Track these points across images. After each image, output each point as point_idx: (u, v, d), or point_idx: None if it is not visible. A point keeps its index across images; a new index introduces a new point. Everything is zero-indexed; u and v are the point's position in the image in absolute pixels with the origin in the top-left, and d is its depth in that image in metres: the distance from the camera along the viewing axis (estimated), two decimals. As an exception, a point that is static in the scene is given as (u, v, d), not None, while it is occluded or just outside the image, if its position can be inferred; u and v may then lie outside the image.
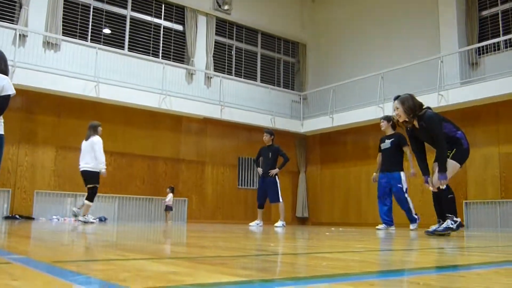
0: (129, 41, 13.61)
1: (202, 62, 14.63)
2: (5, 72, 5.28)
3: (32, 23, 11.77)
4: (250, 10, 16.02)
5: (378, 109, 12.98)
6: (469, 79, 12.09)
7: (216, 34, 15.16)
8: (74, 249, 2.68)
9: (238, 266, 1.74)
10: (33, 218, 10.99)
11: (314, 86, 16.41)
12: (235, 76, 15.52)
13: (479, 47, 12.33)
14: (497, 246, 3.71)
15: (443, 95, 11.63)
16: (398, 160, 8.10)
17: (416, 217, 7.97)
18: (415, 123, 5.18)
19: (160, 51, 14.16)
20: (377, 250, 3.07)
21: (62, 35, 12.22)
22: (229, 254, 2.33)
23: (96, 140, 8.56)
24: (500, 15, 12.52)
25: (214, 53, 14.97)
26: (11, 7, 11.80)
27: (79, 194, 11.73)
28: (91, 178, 8.57)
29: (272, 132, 9.96)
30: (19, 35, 11.41)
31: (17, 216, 10.80)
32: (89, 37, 12.89)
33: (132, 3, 13.81)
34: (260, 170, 9.81)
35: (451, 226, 5.08)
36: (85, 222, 8.39)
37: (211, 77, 14.61)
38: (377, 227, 8.31)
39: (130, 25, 13.72)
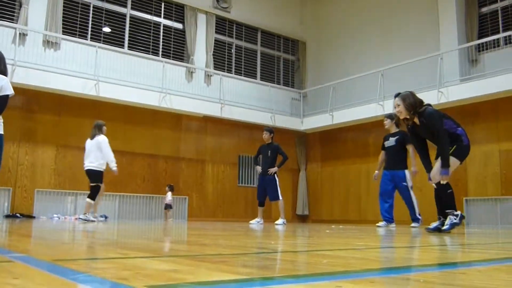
0: (129, 40, 13.61)
1: (202, 60, 14.62)
2: (4, 73, 5.30)
3: (32, 22, 11.77)
4: (250, 8, 16.01)
5: (378, 106, 12.99)
6: (468, 76, 12.09)
7: (215, 32, 15.15)
8: (74, 247, 2.68)
9: (239, 264, 1.74)
10: (34, 217, 11.00)
11: (314, 83, 16.41)
12: (235, 74, 15.51)
13: (478, 44, 12.32)
14: (498, 243, 3.71)
15: (443, 92, 11.62)
16: (403, 158, 8.12)
17: (419, 217, 7.97)
18: (416, 120, 5.19)
19: (160, 50, 14.15)
20: (378, 247, 3.07)
21: (62, 34, 12.22)
22: (229, 252, 2.34)
23: (102, 140, 8.60)
24: (500, 12, 12.51)
25: (214, 51, 14.96)
26: (11, 6, 11.80)
27: (79, 192, 11.75)
28: (94, 177, 8.61)
29: (271, 130, 9.95)
30: (19, 34, 11.41)
31: (18, 215, 10.82)
32: (89, 36, 12.89)
33: (131, 1, 13.80)
34: (259, 168, 9.81)
35: (455, 221, 5.10)
36: (86, 220, 8.41)
37: (211, 75, 14.60)
38: (377, 224, 8.32)
39: (130, 23, 13.72)
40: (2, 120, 5.29)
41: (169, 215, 12.52)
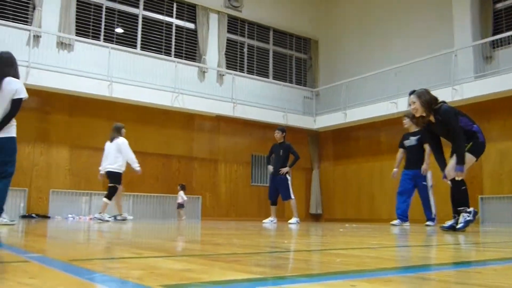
0: (141, 40, 13.68)
1: (214, 60, 14.65)
2: (17, 76, 5.39)
3: (46, 24, 11.88)
4: (262, 7, 16.00)
5: (391, 104, 12.90)
6: (483, 73, 11.95)
7: (227, 31, 15.17)
8: (89, 247, 2.71)
9: (252, 264, 1.74)
10: (49, 217, 11.11)
11: (326, 82, 16.35)
12: (247, 73, 15.52)
13: (493, 41, 12.17)
14: (514, 242, 3.67)
15: (457, 90, 11.51)
16: (423, 157, 8.09)
17: (434, 217, 7.92)
18: (431, 117, 5.13)
19: (173, 50, 14.20)
20: (392, 246, 3.06)
21: (75, 35, 12.32)
22: (243, 251, 2.34)
23: (121, 142, 8.75)
24: (514, 8, 12.35)
25: (226, 51, 14.98)
26: (24, 8, 11.92)
27: (93, 192, 11.84)
28: (113, 178, 8.75)
29: (284, 129, 9.93)
30: (33, 36, 11.52)
31: (34, 215, 10.93)
32: (102, 37, 12.98)
33: (144, 2, 13.87)
34: (270, 167, 9.80)
35: (468, 218, 5.05)
36: (101, 220, 8.50)
37: (223, 75, 14.62)
38: (391, 222, 8.27)
39: (142, 24, 13.79)
40: (15, 123, 5.37)
41: (181, 214, 12.56)
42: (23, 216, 10.80)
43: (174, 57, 13.96)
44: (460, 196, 5.16)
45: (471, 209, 5.12)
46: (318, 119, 15.58)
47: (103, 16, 13.13)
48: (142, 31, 13.76)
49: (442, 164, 5.23)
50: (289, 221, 9.56)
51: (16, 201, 10.93)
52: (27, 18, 11.90)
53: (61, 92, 11.49)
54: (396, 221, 8.16)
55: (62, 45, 12.03)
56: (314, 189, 15.80)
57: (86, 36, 12.68)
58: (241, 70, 15.48)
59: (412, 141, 8.20)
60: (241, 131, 14.55)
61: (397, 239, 4.03)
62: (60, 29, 12.05)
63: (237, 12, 15.39)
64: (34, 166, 11.38)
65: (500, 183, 11.29)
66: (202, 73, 14.27)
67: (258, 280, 1.28)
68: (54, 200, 11.49)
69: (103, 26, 13.09)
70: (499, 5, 12.65)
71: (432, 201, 7.98)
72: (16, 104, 5.25)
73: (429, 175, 8.03)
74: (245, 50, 15.88)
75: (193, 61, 14.32)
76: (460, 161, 4.96)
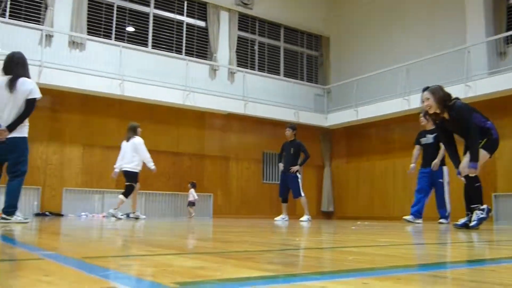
0: (152, 39, 13.73)
1: (225, 57, 14.66)
2: (28, 77, 5.47)
3: (58, 23, 11.97)
4: (272, 4, 15.96)
5: (404, 101, 12.82)
6: (497, 69, 11.82)
7: (238, 29, 15.16)
8: (102, 245, 2.73)
9: (265, 261, 1.74)
10: (62, 215, 11.21)
11: (337, 79, 16.28)
12: (258, 71, 15.51)
13: (507, 36, 12.04)
14: (528, 239, 3.63)
15: (470, 86, 11.40)
16: None
17: (448, 215, 7.88)
18: (445, 114, 5.09)
19: (183, 48, 14.24)
20: (405, 244, 3.04)
21: (87, 34, 12.40)
22: (255, 249, 2.34)
23: (138, 142, 8.85)
24: (528, 3, 12.20)
25: (237, 49, 14.98)
26: (37, 8, 12.02)
27: (106, 191, 11.93)
28: (130, 177, 8.87)
29: (294, 126, 9.91)
30: (45, 35, 11.62)
31: (47, 213, 11.04)
32: (113, 36, 13.05)
33: (155, 0, 13.91)
34: (281, 165, 9.80)
35: (481, 216, 5.01)
36: (114, 215, 8.63)
37: (234, 73, 14.63)
38: (404, 217, 8.22)
39: (153, 22, 13.83)
40: (28, 124, 5.43)
41: (191, 212, 12.60)
42: (37, 214, 10.91)
43: (185, 55, 13.99)
44: (473, 193, 5.12)
45: (484, 206, 5.08)
46: (329, 117, 15.54)
47: (115, 15, 13.20)
48: (153, 29, 13.81)
49: (456, 161, 5.19)
50: (301, 219, 9.56)
51: (30, 199, 11.04)
52: (39, 17, 12.00)
53: (73, 91, 11.58)
54: (409, 217, 8.11)
55: (74, 44, 12.12)
56: (325, 187, 15.76)
57: (98, 35, 12.76)
58: (252, 68, 15.48)
59: (429, 138, 8.14)
60: (252, 128, 14.56)
61: (409, 237, 4.01)
62: (72, 28, 12.14)
63: (247, 10, 15.38)
64: (47, 164, 11.49)
65: (514, 181, 11.17)
66: (213, 71, 14.29)
67: (271, 278, 1.28)
68: (67, 198, 11.59)
69: (114, 25, 13.16)
70: (513, 0, 12.51)
71: (448, 198, 7.94)
72: (30, 104, 5.32)
73: (445, 171, 7.99)
74: (256, 47, 15.87)
75: (204, 59, 14.34)
76: (474, 158, 4.92)
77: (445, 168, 8.00)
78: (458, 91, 10.71)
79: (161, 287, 1.09)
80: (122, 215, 9.10)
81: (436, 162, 7.94)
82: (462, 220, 5.21)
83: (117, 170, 9.09)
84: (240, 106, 13.90)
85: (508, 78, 10.94)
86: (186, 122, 13.42)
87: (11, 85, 5.24)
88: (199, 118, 13.66)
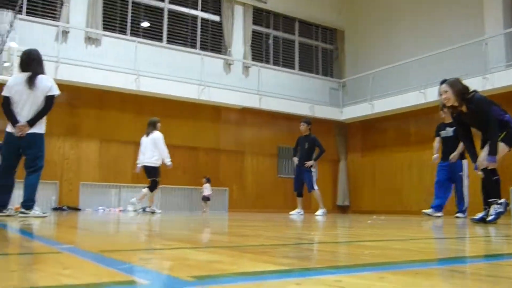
0: (167, 34, 13.77)
1: (239, 52, 14.65)
2: (45, 74, 5.55)
3: (73, 19, 12.07)
4: (287, -2, 15.89)
5: (420, 94, 12.70)
6: (515, 61, 11.64)
7: (253, 23, 15.13)
8: (119, 238, 2.76)
9: (280, 255, 1.75)
10: (80, 209, 11.34)
11: (353, 72, 16.17)
12: (273, 65, 15.48)
13: (525, 27, 11.84)
14: (547, 234, 3.59)
15: (488, 78, 11.24)
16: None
17: (465, 210, 7.81)
18: (463, 107, 5.02)
19: (198, 42, 14.26)
20: (422, 238, 3.02)
21: (103, 30, 12.48)
22: (271, 243, 2.35)
23: (157, 136, 8.91)
24: (548, -7, 11.97)
25: (251, 43, 14.96)
26: (53, 4, 12.12)
27: (123, 185, 12.04)
28: (151, 172, 8.94)
29: (309, 121, 9.87)
30: (61, 31, 11.72)
31: (65, 207, 11.17)
32: (128, 31, 13.11)
33: (169, -5, 13.95)
34: (295, 159, 9.78)
35: (499, 210, 4.95)
36: (133, 205, 8.73)
37: (249, 67, 14.62)
38: (423, 210, 8.17)
39: (168, 17, 13.87)
40: (45, 120, 5.51)
41: (205, 206, 12.65)
42: (55, 209, 11.05)
43: (200, 49, 14.01)
44: (491, 186, 5.06)
45: (502, 200, 5.01)
46: (345, 110, 15.45)
47: (130, 10, 13.26)
48: (167, 24, 13.85)
49: (473, 154, 5.13)
50: (316, 213, 9.54)
51: (47, 193, 11.19)
52: (55, 14, 12.11)
53: (90, 86, 11.68)
54: (429, 210, 8.05)
55: (90, 40, 12.21)
56: (341, 181, 15.71)
57: (113, 30, 12.84)
58: (267, 62, 15.44)
59: (448, 132, 8.03)
60: (268, 123, 14.55)
61: (426, 231, 3.98)
62: (87, 24, 12.23)
63: (262, 4, 15.33)
64: (64, 159, 11.62)
65: (532, 174, 11.00)
66: (228, 65, 14.30)
67: (287, 272, 1.28)
68: (84, 192, 11.72)
69: (129, 20, 13.22)
70: (532, -9, 12.28)
71: (466, 192, 7.87)
72: (50, 101, 5.41)
73: (465, 165, 7.90)
74: (271, 41, 15.83)
75: (218, 54, 14.35)
76: (493, 151, 4.85)
77: (464, 162, 7.91)
78: (475, 83, 10.56)
79: (178, 281, 1.10)
80: (139, 209, 9.17)
81: (455, 154, 7.84)
82: (479, 215, 5.16)
83: (139, 165, 9.17)
84: (255, 100, 13.89)
85: (527, 70, 10.76)
86: (201, 117, 13.46)
87: (31, 82, 5.31)
88: (214, 113, 13.69)
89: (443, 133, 8.15)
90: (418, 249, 2.18)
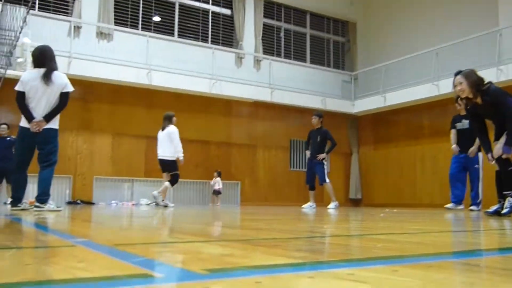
0: (178, 28, 13.79)
1: (251, 45, 14.62)
2: (57, 70, 5.60)
3: (85, 15, 12.13)
4: (298, -9, 15.81)
5: (433, 86, 12.59)
6: (530, 52, 11.48)
7: (264, 16, 15.09)
8: (133, 232, 2.77)
9: (293, 249, 1.75)
10: (93, 203, 11.45)
11: (364, 65, 16.07)
12: (284, 58, 15.43)
13: (541, 18, 11.66)
14: None
15: (502, 70, 11.12)
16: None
17: (479, 202, 7.76)
18: (478, 99, 4.96)
19: (209, 36, 14.26)
20: (435, 231, 3.01)
21: (114, 25, 12.53)
22: (283, 236, 2.35)
23: (172, 130, 8.94)
24: None
25: (262, 36, 14.92)
26: (65, 0, 12.19)
27: (135, 179, 12.12)
28: (169, 166, 8.96)
29: (321, 114, 9.85)
30: (74, 27, 11.79)
31: (79, 201, 11.28)
32: (140, 26, 13.15)
33: (180, -11, 13.95)
34: (308, 153, 9.78)
35: None
36: (155, 197, 8.80)
37: (260, 60, 14.60)
38: (445, 205, 8.14)
39: (179, 11, 13.88)
40: (59, 116, 5.56)
41: (217, 200, 12.68)
42: (69, 203, 11.17)
43: (211, 43, 14.01)
44: (506, 177, 5.00)
45: (517, 192, 4.96)
46: (357, 103, 15.38)
47: (141, 5, 13.29)
48: (179, 18, 13.86)
49: (487, 147, 5.08)
50: (328, 206, 9.53)
51: (62, 187, 11.30)
52: (67, 9, 12.18)
53: (102, 81, 11.75)
54: (450, 205, 8.03)
55: (102, 35, 12.27)
56: (353, 174, 15.66)
57: (125, 25, 12.88)
58: (278, 55, 15.41)
59: (464, 124, 7.94)
60: (279, 116, 14.53)
61: (439, 224, 3.96)
62: (99, 19, 12.28)
63: (273, -3, 15.27)
64: (77, 154, 11.72)
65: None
66: (239, 59, 14.28)
67: (299, 265, 1.28)
68: (97, 186, 11.82)
69: (140, 15, 13.25)
70: (547, -19, 12.08)
71: (481, 184, 7.81)
72: (65, 97, 5.47)
73: (481, 157, 7.83)
74: (282, 34, 15.78)
75: (230, 47, 14.34)
76: (510, 142, 4.79)
77: (480, 155, 7.85)
78: (489, 75, 10.44)
79: (192, 274, 1.10)
80: (150, 202, 9.23)
81: (473, 149, 7.77)
82: (493, 207, 5.12)
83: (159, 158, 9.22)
84: (267, 93, 13.88)
85: (542, 61, 10.61)
86: (213, 111, 13.48)
87: (47, 78, 5.35)
88: (226, 106, 13.70)
89: (459, 125, 8.06)
90: (432, 242, 2.17)
